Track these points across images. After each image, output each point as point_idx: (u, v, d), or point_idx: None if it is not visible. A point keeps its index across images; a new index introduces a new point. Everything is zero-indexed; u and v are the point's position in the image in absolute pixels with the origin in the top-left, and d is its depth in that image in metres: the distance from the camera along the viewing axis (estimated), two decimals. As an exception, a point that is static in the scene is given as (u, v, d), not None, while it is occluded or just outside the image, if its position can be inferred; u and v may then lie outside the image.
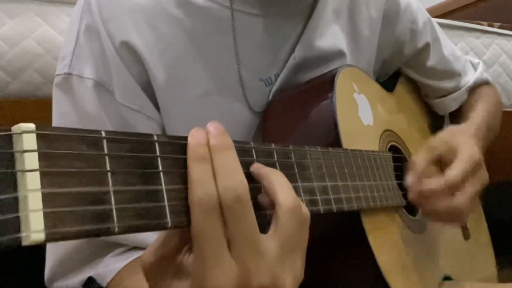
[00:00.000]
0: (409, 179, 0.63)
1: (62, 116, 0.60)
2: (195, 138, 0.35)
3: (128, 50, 0.57)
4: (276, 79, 0.65)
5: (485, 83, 0.92)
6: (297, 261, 0.37)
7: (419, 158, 0.65)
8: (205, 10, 0.60)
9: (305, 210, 0.38)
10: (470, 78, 0.89)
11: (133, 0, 0.58)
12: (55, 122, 0.61)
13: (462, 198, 0.62)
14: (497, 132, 0.89)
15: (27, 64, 0.78)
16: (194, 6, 0.60)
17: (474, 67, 0.93)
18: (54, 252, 0.60)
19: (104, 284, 0.56)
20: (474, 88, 0.90)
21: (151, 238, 0.56)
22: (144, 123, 0.58)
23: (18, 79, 0.78)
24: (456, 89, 0.89)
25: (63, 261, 0.59)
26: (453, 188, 0.62)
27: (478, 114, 0.83)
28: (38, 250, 0.59)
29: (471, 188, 0.64)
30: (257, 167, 0.39)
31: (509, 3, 1.70)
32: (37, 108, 0.74)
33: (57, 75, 0.60)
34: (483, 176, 0.67)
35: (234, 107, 0.63)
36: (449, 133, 0.72)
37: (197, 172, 0.34)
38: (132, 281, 0.54)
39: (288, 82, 0.66)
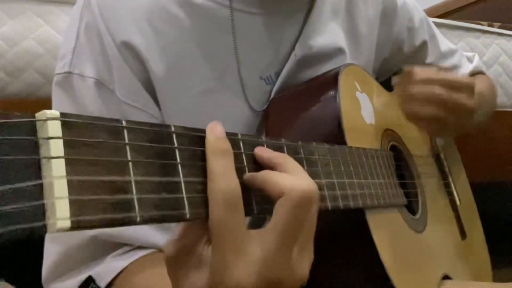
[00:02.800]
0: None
1: None
2: (214, 131, 0.36)
3: (129, 50, 0.57)
4: (276, 78, 0.66)
5: (480, 73, 0.93)
6: (308, 248, 0.38)
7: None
8: (205, 9, 0.61)
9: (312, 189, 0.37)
10: (465, 70, 0.92)
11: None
12: None
13: (438, 90, 0.66)
14: (492, 110, 0.90)
15: (27, 64, 0.77)
16: (194, 5, 0.60)
17: (470, 60, 0.95)
18: (52, 252, 0.59)
19: (103, 284, 0.56)
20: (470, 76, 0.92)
21: (155, 237, 0.56)
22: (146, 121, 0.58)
23: (18, 79, 0.77)
24: None
25: (61, 261, 0.58)
26: (432, 81, 0.66)
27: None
28: (38, 247, 0.59)
29: (455, 95, 0.68)
30: (263, 151, 0.40)
31: (509, 3, 1.72)
32: (37, 108, 0.73)
33: (57, 73, 0.60)
34: (468, 99, 0.70)
35: (234, 105, 0.63)
36: None
37: (218, 165, 0.34)
38: (142, 278, 0.54)
39: (289, 80, 0.66)
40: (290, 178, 0.37)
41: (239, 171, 0.38)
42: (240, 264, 0.33)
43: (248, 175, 0.38)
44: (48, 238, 0.59)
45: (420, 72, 0.68)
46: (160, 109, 0.60)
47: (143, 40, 0.57)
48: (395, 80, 0.68)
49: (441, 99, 0.67)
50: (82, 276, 0.56)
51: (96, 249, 0.58)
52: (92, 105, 0.58)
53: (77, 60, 0.58)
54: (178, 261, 0.36)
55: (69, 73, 0.59)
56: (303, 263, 0.37)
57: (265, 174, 0.37)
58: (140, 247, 0.57)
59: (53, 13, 0.81)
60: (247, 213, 0.37)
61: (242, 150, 0.39)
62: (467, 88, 0.69)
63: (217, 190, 0.33)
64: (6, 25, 0.77)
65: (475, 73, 0.93)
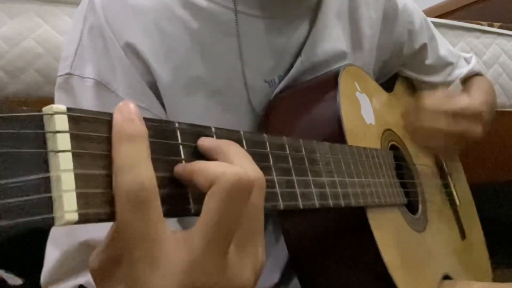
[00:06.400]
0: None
1: None
2: (122, 112, 0.29)
3: (134, 52, 0.57)
4: (279, 81, 0.65)
5: (477, 74, 0.94)
6: (250, 248, 0.32)
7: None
8: (210, 12, 0.60)
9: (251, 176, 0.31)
10: (463, 70, 0.92)
11: (138, 1, 0.58)
12: None
13: (443, 124, 0.69)
14: (493, 112, 0.91)
15: (27, 64, 0.77)
16: (199, 8, 0.60)
17: (467, 61, 0.96)
18: (50, 256, 0.58)
19: None
20: (467, 79, 0.93)
21: None
22: None
23: (18, 79, 0.77)
24: (447, 80, 0.91)
25: (57, 267, 0.57)
26: (439, 112, 0.69)
27: (476, 91, 0.88)
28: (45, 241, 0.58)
29: (461, 125, 0.70)
30: (205, 140, 0.34)
31: (509, 3, 1.72)
32: (37, 108, 0.73)
33: (59, 76, 0.60)
34: (475, 126, 0.73)
35: (238, 108, 0.63)
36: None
37: (124, 153, 0.28)
38: None
39: (291, 84, 0.66)
40: (223, 165, 0.31)
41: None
42: (155, 277, 0.28)
43: (177, 166, 0.31)
44: (49, 240, 0.58)
45: (428, 102, 0.70)
46: (165, 110, 0.60)
47: (149, 42, 0.57)
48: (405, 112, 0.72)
49: (447, 131, 0.69)
50: (77, 282, 0.56)
51: (87, 255, 0.57)
52: (90, 106, 0.57)
53: (79, 62, 0.58)
54: (103, 273, 0.31)
55: (70, 74, 0.58)
56: (244, 267, 0.31)
57: (195, 163, 0.31)
58: None
59: (53, 13, 0.81)
60: (183, 213, 0.32)
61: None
62: (474, 116, 0.72)
63: (120, 185, 0.27)
64: (6, 25, 0.77)
65: (472, 75, 0.93)
